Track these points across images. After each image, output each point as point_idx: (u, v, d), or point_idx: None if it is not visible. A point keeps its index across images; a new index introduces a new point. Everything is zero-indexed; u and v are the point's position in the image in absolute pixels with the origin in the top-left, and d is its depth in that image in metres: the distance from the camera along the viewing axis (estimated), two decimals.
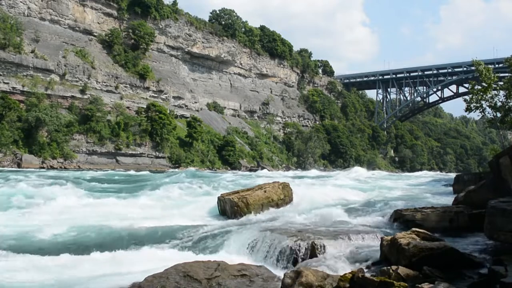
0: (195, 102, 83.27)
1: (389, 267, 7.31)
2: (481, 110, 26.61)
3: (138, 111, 67.68)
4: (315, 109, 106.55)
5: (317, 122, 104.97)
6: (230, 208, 15.59)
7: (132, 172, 47.91)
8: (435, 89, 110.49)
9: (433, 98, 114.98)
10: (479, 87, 26.39)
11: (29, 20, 61.17)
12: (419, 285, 6.31)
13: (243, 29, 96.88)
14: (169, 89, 77.22)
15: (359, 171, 53.70)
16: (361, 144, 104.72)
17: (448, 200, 16.61)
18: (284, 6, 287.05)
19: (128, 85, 69.78)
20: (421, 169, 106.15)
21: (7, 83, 53.98)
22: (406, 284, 6.36)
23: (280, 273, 8.41)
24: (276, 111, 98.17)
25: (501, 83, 32.49)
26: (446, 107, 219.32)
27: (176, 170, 58.39)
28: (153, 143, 66.19)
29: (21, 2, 61.10)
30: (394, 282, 6.39)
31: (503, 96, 26.56)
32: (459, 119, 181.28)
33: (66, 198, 18.84)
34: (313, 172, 63.39)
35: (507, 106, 26.15)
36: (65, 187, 23.08)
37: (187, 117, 76.46)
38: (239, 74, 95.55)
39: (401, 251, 7.94)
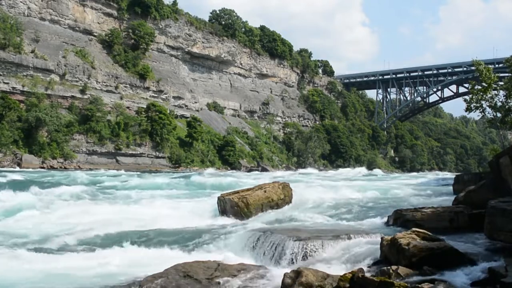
0: (195, 102, 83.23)
1: (389, 267, 7.32)
2: (481, 110, 26.49)
3: (138, 111, 67.64)
4: (315, 109, 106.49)
5: (317, 122, 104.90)
6: (230, 208, 15.57)
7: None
8: (435, 89, 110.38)
9: (433, 98, 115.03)
10: (479, 87, 26.30)
11: (29, 20, 61.13)
12: (419, 285, 6.32)
13: (243, 29, 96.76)
14: (169, 89, 77.19)
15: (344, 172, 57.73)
16: (361, 144, 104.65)
17: (448, 200, 16.60)
18: (283, 6, 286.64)
19: (128, 85, 69.75)
20: (421, 169, 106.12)
21: (7, 83, 53.97)
22: (406, 284, 6.36)
23: (280, 273, 8.40)
24: (276, 111, 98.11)
25: (501, 83, 32.51)
26: (446, 107, 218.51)
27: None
28: (153, 143, 66.16)
29: (21, 2, 61.06)
30: (394, 282, 6.39)
31: (503, 96, 26.51)
32: (459, 119, 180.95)
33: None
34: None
35: (507, 106, 26.10)
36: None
37: (187, 117, 76.41)
38: (239, 74, 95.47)
39: (401, 251, 7.94)
